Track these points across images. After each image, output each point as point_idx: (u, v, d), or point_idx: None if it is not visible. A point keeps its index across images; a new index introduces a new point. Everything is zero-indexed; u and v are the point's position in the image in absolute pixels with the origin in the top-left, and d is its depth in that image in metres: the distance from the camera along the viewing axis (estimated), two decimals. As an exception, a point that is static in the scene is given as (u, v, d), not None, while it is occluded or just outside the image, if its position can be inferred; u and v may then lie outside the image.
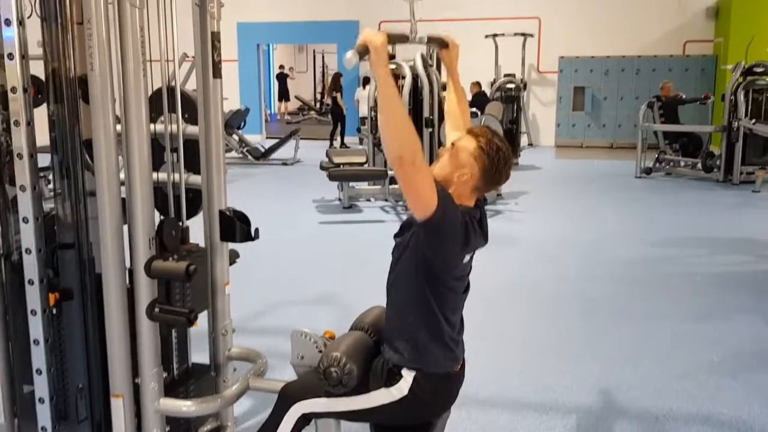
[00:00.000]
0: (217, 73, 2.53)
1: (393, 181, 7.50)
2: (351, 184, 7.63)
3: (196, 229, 2.57)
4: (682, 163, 10.35)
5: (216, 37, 2.50)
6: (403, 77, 7.68)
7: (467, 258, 2.06)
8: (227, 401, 2.40)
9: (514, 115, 11.26)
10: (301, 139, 11.73)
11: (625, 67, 13.74)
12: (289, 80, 20.95)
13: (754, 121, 9.29)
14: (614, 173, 10.64)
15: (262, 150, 11.35)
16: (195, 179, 2.67)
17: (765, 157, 9.45)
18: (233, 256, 2.80)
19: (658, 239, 6.46)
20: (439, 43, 2.45)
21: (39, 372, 2.23)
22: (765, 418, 3.07)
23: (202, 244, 2.58)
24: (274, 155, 11.36)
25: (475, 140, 2.01)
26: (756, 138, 9.37)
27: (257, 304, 4.50)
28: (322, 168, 7.55)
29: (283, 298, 4.72)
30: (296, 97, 20.88)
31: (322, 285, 5.00)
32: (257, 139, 13.73)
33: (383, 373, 2.08)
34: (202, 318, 2.56)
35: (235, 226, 2.58)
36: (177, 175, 2.65)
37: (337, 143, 13.29)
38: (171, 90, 2.74)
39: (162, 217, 2.40)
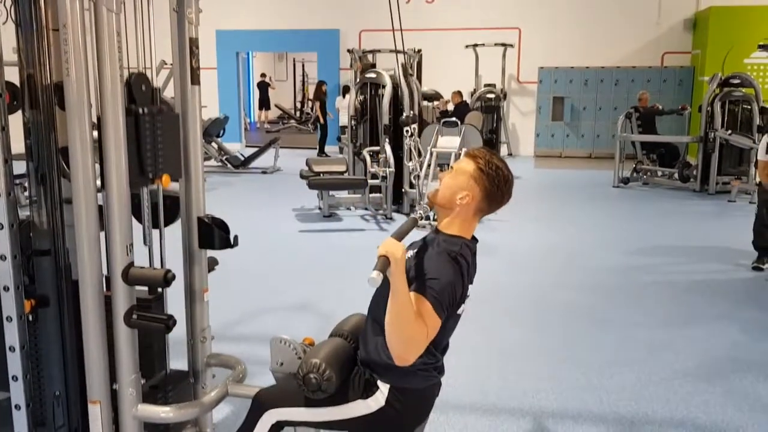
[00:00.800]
0: (196, 80, 2.53)
1: (373, 189, 7.53)
2: (331, 192, 7.64)
3: (176, 238, 2.57)
4: (659, 173, 10.49)
5: (194, 43, 2.50)
6: (384, 86, 7.71)
7: (462, 307, 2.07)
8: (206, 407, 2.39)
9: (494, 124, 11.36)
10: (281, 147, 11.72)
11: (604, 78, 13.91)
12: (269, 89, 20.92)
13: (730, 131, 9.45)
14: (592, 183, 10.75)
15: (242, 158, 11.32)
16: (173, 186, 2.67)
17: (740, 167, 9.61)
18: (212, 264, 2.79)
19: (635, 248, 6.54)
20: None
21: (15, 378, 2.20)
22: (738, 422, 3.12)
23: (180, 251, 2.58)
24: (254, 164, 11.33)
25: (474, 162, 2.03)
26: (732, 148, 9.54)
27: (236, 312, 4.49)
28: (302, 176, 7.55)
29: (263, 305, 4.71)
30: (276, 106, 20.83)
31: (302, 293, 5.00)
32: (236, 147, 13.67)
33: (360, 384, 2.10)
34: (181, 325, 2.57)
35: (214, 233, 2.58)
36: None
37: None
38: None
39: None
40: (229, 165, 11.18)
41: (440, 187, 2.06)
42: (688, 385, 3.51)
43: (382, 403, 2.05)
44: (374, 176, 7.47)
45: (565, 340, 4.17)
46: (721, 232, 7.29)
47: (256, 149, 11.78)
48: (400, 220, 7.64)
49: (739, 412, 3.21)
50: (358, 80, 8.11)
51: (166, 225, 2.62)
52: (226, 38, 14.67)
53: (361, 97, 8.09)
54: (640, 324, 4.44)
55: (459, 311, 2.05)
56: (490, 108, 11.28)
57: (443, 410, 3.14)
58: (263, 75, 21.13)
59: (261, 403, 2.21)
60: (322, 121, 13.44)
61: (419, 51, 12.92)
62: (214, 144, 11.38)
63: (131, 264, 2.17)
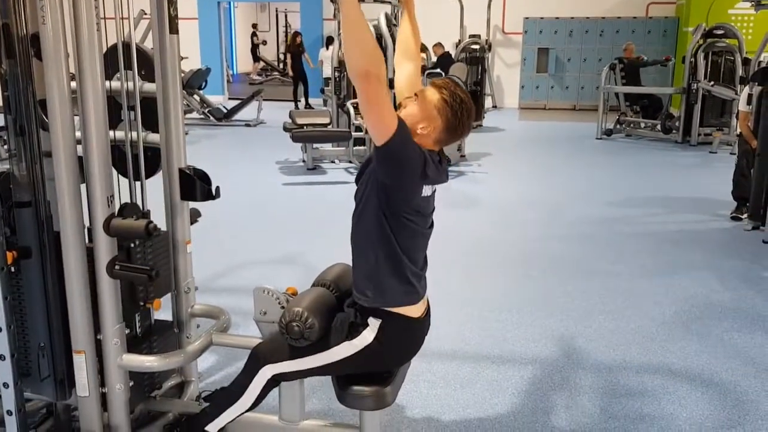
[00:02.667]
0: (174, 29, 2.49)
1: (357, 142, 7.50)
2: (315, 145, 7.60)
3: (158, 189, 2.56)
4: (642, 125, 10.52)
5: (172, -9, 2.45)
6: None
7: (427, 191, 2.06)
8: (190, 356, 2.42)
9: (479, 76, 11.26)
10: (265, 100, 11.58)
11: (589, 29, 13.79)
12: (254, 40, 20.55)
13: (712, 83, 9.46)
14: (576, 135, 10.76)
15: (225, 111, 11.19)
16: (154, 138, 2.65)
17: (722, 118, 9.66)
18: (195, 215, 2.80)
19: (617, 200, 6.59)
20: None
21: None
22: (713, 367, 3.22)
23: (162, 203, 2.57)
24: (237, 116, 11.21)
25: (439, 93, 2.01)
26: (714, 99, 9.57)
27: (222, 264, 4.51)
28: (285, 129, 7.49)
29: (247, 258, 4.73)
30: (259, 58, 20.50)
31: (286, 245, 5.02)
32: (219, 99, 13.50)
33: (344, 328, 2.13)
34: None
35: (195, 185, 2.57)
36: (135, 134, 2.65)
37: (301, 104, 13.16)
38: (127, 46, 2.71)
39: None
40: (211, 117, 11.05)
41: (402, 113, 2.02)
42: (666, 332, 3.60)
43: (370, 339, 2.07)
44: (358, 129, 7.42)
45: (546, 289, 4.24)
46: (701, 183, 7.37)
47: (239, 101, 11.63)
48: (384, 172, 7.62)
49: (714, 358, 3.30)
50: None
51: (147, 177, 2.62)
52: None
53: (345, 48, 7.96)
54: (621, 274, 4.52)
55: (423, 191, 2.03)
56: (475, 60, 11.14)
57: (424, 358, 3.20)
58: (254, 26, 20.78)
59: (257, 358, 2.22)
60: (291, 73, 13.25)
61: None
62: (196, 96, 11.22)
63: (113, 215, 2.17)
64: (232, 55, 20.84)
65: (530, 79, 14.29)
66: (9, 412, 2.20)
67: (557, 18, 13.82)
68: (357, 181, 2.11)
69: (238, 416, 2.29)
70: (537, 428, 2.69)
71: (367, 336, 2.09)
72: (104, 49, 2.26)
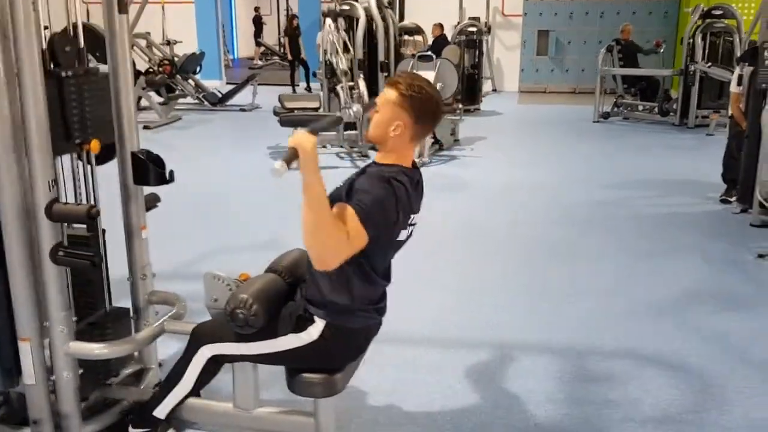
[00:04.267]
0: (123, 9, 2.43)
1: (348, 126, 7.43)
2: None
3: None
4: (640, 108, 10.38)
5: (120, -30, 2.39)
6: (357, 19, 7.51)
7: (403, 235, 2.02)
8: (139, 343, 2.39)
9: (476, 59, 11.14)
10: (264, 84, 11.50)
11: (589, 11, 13.61)
12: (258, 24, 20.44)
13: (710, 64, 9.31)
14: (574, 118, 10.63)
15: (219, 95, 11.12)
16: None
17: (720, 100, 9.49)
18: (154, 201, 2.75)
19: (610, 182, 6.51)
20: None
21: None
22: (685, 352, 3.16)
23: (118, 189, 2.53)
24: (232, 101, 11.14)
25: (395, 89, 1.96)
26: (711, 81, 9.41)
27: (206, 248, 4.46)
28: (274, 113, 7.43)
29: (233, 242, 4.68)
30: (259, 42, 20.37)
31: (273, 230, 4.97)
32: (216, 84, 13.42)
33: (292, 320, 2.09)
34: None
35: (149, 169, 2.53)
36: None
37: (301, 89, 13.07)
38: (83, 27, 2.66)
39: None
40: (206, 102, 10.99)
41: (371, 125, 2.00)
42: (644, 316, 3.55)
43: (315, 336, 2.05)
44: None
45: (532, 273, 4.20)
46: (697, 166, 7.26)
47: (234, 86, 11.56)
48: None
49: (686, 343, 3.25)
50: (330, 11, 7.86)
51: (106, 161, 2.57)
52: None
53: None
54: (608, 256, 4.47)
55: (399, 237, 2.00)
56: (472, 42, 11.02)
57: (395, 342, 3.16)
58: (257, 9, 20.65)
59: (197, 338, 2.22)
60: (290, 57, 13.16)
61: (401, -18, 12.60)
62: (190, 81, 11.16)
63: (55, 200, 2.13)
64: (233, 40, 20.73)
65: (530, 62, 14.15)
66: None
67: (557, 0, 13.64)
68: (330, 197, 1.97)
69: (183, 399, 2.26)
70: (498, 414, 2.65)
71: (313, 332, 2.05)
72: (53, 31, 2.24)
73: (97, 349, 2.30)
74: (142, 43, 10.89)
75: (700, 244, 4.72)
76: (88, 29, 2.60)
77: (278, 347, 2.10)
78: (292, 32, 13.17)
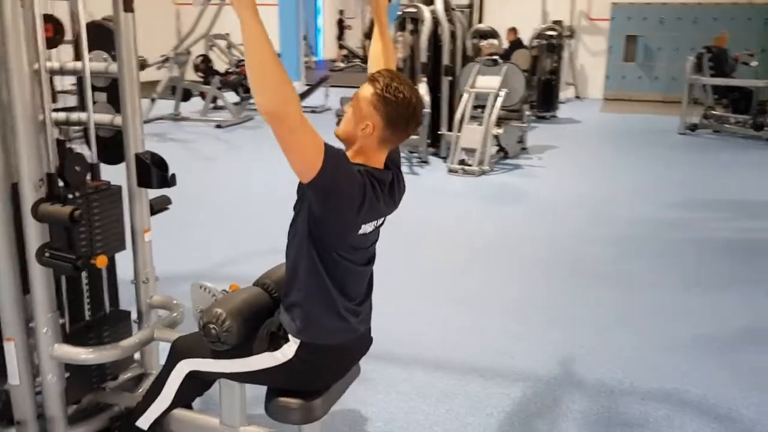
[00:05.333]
0: (128, 7, 2.37)
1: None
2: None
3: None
4: (732, 120, 9.68)
5: (125, -33, 2.34)
6: (423, 21, 7.34)
7: (367, 228, 1.87)
8: (126, 350, 2.31)
9: (555, 65, 10.74)
10: (342, 87, 11.52)
11: (682, 16, 12.88)
12: (341, 26, 20.60)
13: (811, 75, 8.57)
14: (658, 129, 10.05)
15: (294, 96, 11.21)
16: (120, 121, 2.57)
17: (821, 115, 8.74)
18: (164, 203, 2.69)
19: (678, 200, 6.06)
20: None
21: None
22: (735, 400, 2.82)
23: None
24: (306, 102, 11.19)
25: (372, 86, 1.82)
26: (813, 94, 8.67)
27: (226, 254, 4.41)
28: (336, 116, 7.37)
29: (255, 248, 4.58)
30: (341, 45, 20.52)
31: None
32: (295, 86, 13.54)
33: (267, 337, 1.97)
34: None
35: (151, 172, 2.47)
36: (102, 116, 2.58)
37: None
38: (98, 25, 2.64)
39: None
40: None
41: (343, 119, 1.87)
42: (690, 355, 3.20)
43: (289, 356, 1.92)
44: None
45: (567, 296, 3.90)
46: (783, 187, 6.68)
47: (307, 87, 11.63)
48: (435, 163, 7.38)
49: (737, 390, 2.88)
50: (397, 15, 7.74)
51: (119, 162, 2.54)
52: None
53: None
54: (657, 284, 4.10)
55: (361, 230, 1.84)
56: (551, 47, 10.62)
57: (406, 366, 3.00)
58: (341, 12, 20.85)
59: (176, 351, 2.14)
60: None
61: (482, -15, 12.35)
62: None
63: (42, 200, 2.09)
64: (317, 42, 20.95)
65: (616, 68, 13.55)
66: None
67: (648, 4, 12.99)
68: (298, 189, 1.88)
69: (164, 412, 2.18)
70: (506, 454, 2.43)
71: (287, 352, 1.92)
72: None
73: (83, 354, 2.24)
74: (222, 44, 11.13)
75: (766, 277, 4.26)
76: (102, 27, 2.57)
77: (252, 366, 1.98)
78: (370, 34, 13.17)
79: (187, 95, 10.07)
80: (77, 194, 2.24)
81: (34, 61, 2.08)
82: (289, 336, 1.92)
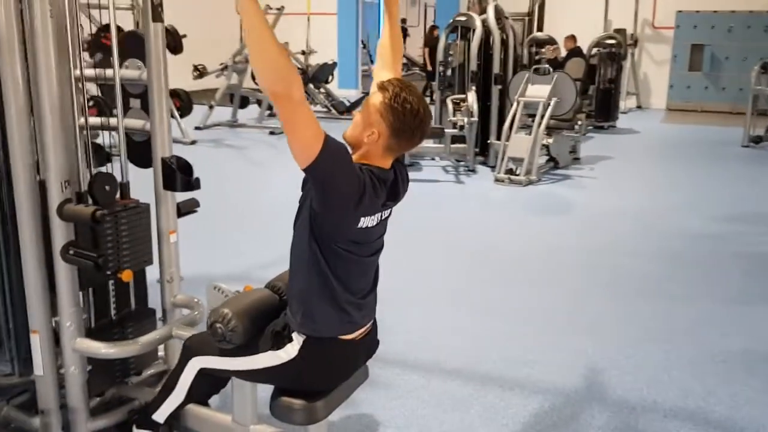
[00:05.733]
0: (157, 17, 2.47)
1: (455, 140, 7.26)
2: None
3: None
4: (801, 133, 9.27)
5: (154, -20, 2.44)
6: (474, 30, 7.32)
7: (369, 221, 1.89)
8: (144, 346, 2.39)
9: (614, 74, 10.51)
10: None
11: (752, 24, 12.39)
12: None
13: None
14: (720, 141, 9.69)
15: (347, 104, 11.35)
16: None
17: None
18: (193, 205, 2.78)
19: (728, 214, 5.83)
20: None
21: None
22: (760, 419, 2.71)
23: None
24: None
25: (382, 95, 1.84)
26: None
27: (265, 256, 4.48)
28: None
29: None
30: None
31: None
32: (352, 93, 13.74)
33: (272, 336, 2.01)
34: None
35: (176, 176, 2.56)
36: (135, 122, 2.70)
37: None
38: (136, 35, 2.76)
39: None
40: (333, 111, 11.25)
41: (352, 123, 1.91)
42: (720, 373, 3.09)
43: (293, 355, 1.96)
44: (455, 125, 7.15)
45: (600, 309, 3.82)
46: None
47: (362, 96, 11.77)
48: (483, 173, 7.33)
49: (763, 409, 2.78)
50: (449, 24, 7.75)
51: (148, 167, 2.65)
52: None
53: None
54: (694, 298, 3.97)
55: (360, 223, 1.86)
56: (611, 56, 10.40)
57: (426, 373, 3.00)
58: (403, 20, 21.00)
59: (188, 349, 2.22)
60: (429, 68, 13.14)
61: (542, -8, 12.21)
62: (322, 89, 11.49)
63: (67, 201, 2.20)
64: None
65: (681, 78, 13.13)
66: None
67: (715, 11, 12.56)
68: (303, 185, 1.94)
69: (178, 406, 2.26)
70: (517, 467, 2.40)
71: (290, 350, 1.96)
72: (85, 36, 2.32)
73: (102, 348, 2.34)
74: (280, 51, 11.36)
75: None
76: (137, 36, 2.68)
77: (257, 365, 2.03)
78: (433, 42, 13.19)
79: (244, 102, 10.33)
80: (106, 212, 2.32)
81: (68, 67, 2.20)
82: (293, 335, 1.97)
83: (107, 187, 2.33)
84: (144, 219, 2.50)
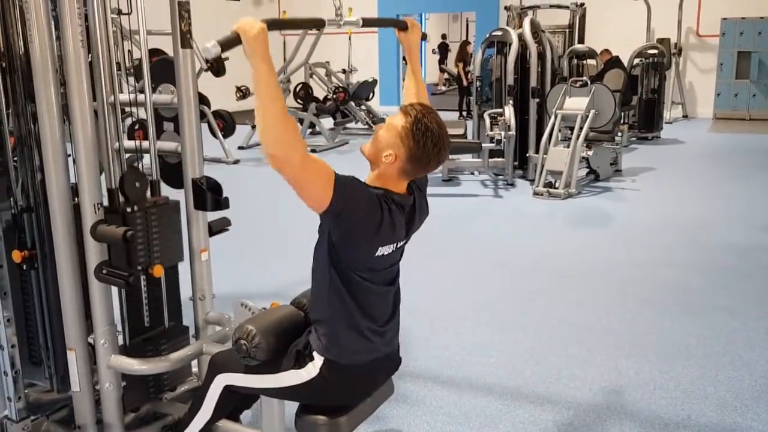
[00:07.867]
0: (186, 44, 2.55)
1: (493, 154, 7.24)
2: (451, 156, 7.45)
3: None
4: None
5: (183, 6, 2.53)
6: (510, 44, 7.32)
7: (385, 250, 1.93)
8: (175, 363, 2.45)
9: (657, 84, 10.34)
10: (441, 110, 11.57)
11: (802, 29, 12.06)
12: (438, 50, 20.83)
13: None
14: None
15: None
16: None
17: None
18: (224, 224, 2.86)
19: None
20: (397, 25, 2.28)
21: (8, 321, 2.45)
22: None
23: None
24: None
25: (404, 119, 1.88)
26: None
27: (297, 274, 4.53)
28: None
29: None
30: (441, 69, 20.68)
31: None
32: (393, 110, 13.80)
33: (294, 355, 2.05)
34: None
35: (206, 196, 2.63)
36: (168, 144, 2.80)
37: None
38: (168, 60, 2.86)
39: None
40: (373, 127, 11.34)
41: (372, 139, 1.94)
42: (760, 391, 2.99)
43: (314, 374, 2.00)
44: (491, 140, 7.13)
45: (636, 322, 3.75)
46: None
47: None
48: (522, 186, 7.28)
49: (808, 427, 2.69)
50: (485, 39, 7.75)
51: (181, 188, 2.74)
52: (386, 1, 14.79)
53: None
54: (737, 313, 3.85)
55: (378, 252, 1.89)
56: (653, 65, 10.24)
57: (456, 388, 2.99)
58: (443, 36, 21.11)
59: (214, 366, 2.25)
60: (465, 83, 13.14)
61: (582, 5, 12.11)
62: (363, 107, 11.60)
63: (100, 222, 2.29)
64: (424, 67, 21.21)
65: (728, 85, 12.82)
66: (9, 399, 2.42)
67: (761, 18, 12.25)
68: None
69: (206, 424, 2.30)
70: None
71: (311, 369, 2.00)
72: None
73: (135, 365, 2.41)
74: (321, 71, 11.55)
75: None
76: (170, 61, 2.78)
77: (280, 383, 2.06)
78: (467, 58, 13.22)
79: (286, 122, 10.48)
80: (136, 208, 2.37)
81: (105, 94, 2.30)
82: (314, 354, 2.00)
83: (137, 184, 2.39)
84: (174, 215, 2.53)
